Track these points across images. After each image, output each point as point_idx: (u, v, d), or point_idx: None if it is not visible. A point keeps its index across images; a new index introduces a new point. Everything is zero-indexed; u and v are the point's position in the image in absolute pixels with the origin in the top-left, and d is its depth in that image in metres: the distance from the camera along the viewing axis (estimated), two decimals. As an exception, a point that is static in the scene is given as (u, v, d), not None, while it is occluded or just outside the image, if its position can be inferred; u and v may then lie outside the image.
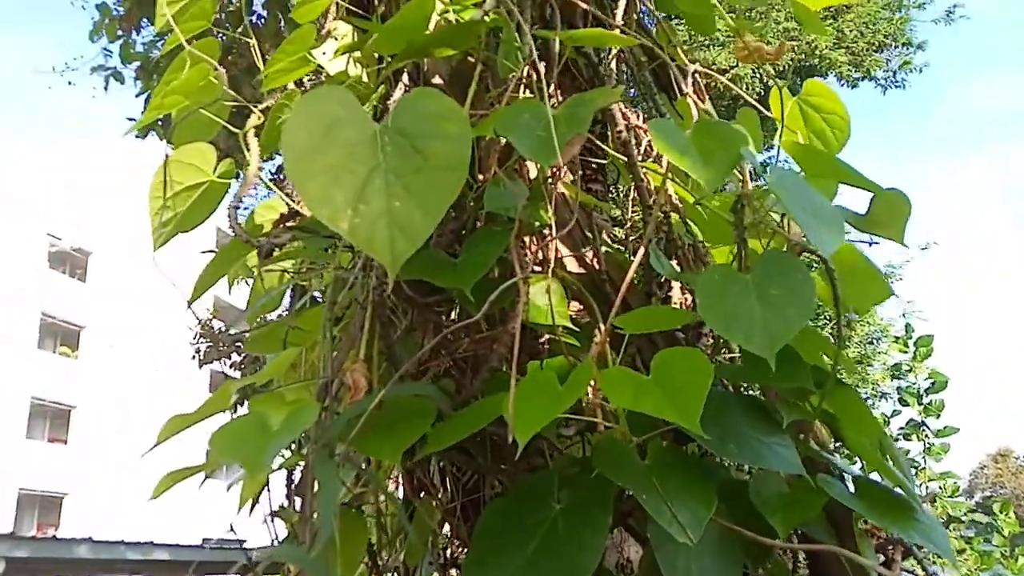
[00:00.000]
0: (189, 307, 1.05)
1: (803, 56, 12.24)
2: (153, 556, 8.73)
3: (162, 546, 9.26)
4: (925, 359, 4.69)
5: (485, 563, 0.72)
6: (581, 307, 1.10)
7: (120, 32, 5.53)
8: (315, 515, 0.65)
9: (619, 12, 1.00)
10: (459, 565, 1.30)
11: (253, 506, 0.95)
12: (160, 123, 6.43)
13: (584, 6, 0.98)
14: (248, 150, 1.20)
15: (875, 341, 12.11)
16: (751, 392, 0.86)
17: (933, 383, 4.63)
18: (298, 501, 0.78)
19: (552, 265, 0.96)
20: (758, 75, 12.18)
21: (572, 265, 1.11)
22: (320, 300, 1.19)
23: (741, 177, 0.81)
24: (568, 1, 0.95)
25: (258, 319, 1.30)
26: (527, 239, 1.06)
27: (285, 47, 1.22)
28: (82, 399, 25.47)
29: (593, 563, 0.67)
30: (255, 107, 1.29)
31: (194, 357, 11.20)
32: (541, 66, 0.79)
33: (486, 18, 0.82)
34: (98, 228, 27.24)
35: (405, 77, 1.01)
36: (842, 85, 12.66)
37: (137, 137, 6.15)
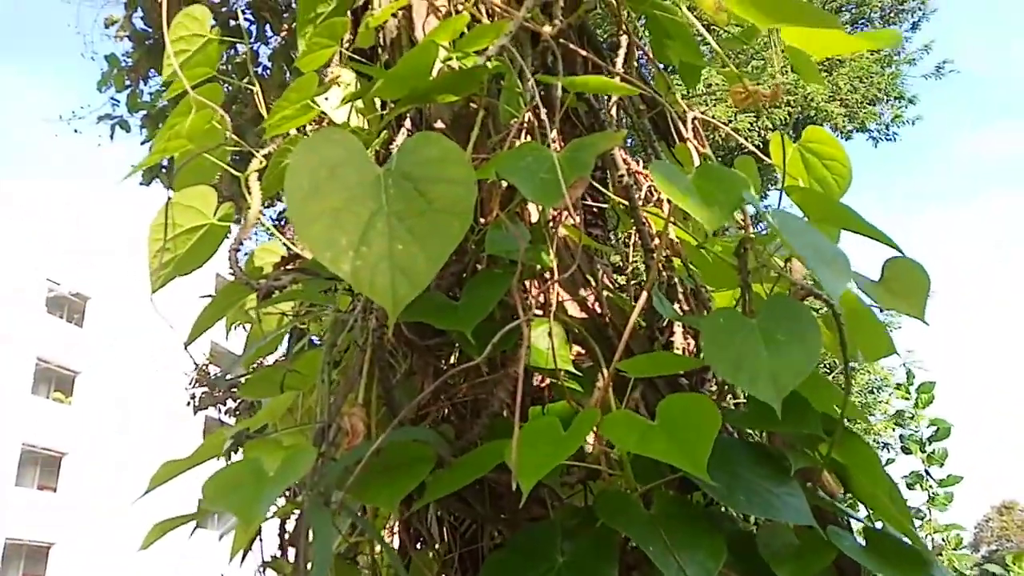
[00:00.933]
0: (186, 349, 1.03)
1: (799, 109, 12.47)
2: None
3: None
4: (927, 406, 4.65)
5: (486, 618, 0.69)
6: (582, 352, 1.09)
7: (128, 82, 5.62)
8: (309, 565, 0.63)
9: (619, 61, 1.02)
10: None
11: (244, 556, 0.92)
12: (163, 170, 6.51)
13: (584, 54, 0.99)
14: (249, 194, 1.20)
15: (875, 391, 12.03)
16: (757, 440, 0.84)
17: (936, 431, 4.58)
18: (291, 551, 0.75)
19: (554, 308, 0.95)
20: (756, 128, 12.40)
21: (573, 309, 1.10)
22: (318, 344, 1.18)
23: (743, 221, 0.81)
24: (568, 49, 0.96)
25: (254, 363, 1.29)
26: (528, 282, 1.05)
27: (288, 94, 1.24)
28: (73, 446, 25.12)
29: (599, 617, 0.64)
30: (257, 152, 1.30)
31: (189, 403, 11.11)
32: (543, 111, 0.80)
33: (488, 64, 0.83)
34: (97, 274, 27.29)
35: (407, 122, 1.02)
36: (838, 136, 12.88)
37: (141, 184, 6.21)
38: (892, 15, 13.47)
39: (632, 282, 1.27)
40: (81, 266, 26.77)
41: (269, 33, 6.13)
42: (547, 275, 1.02)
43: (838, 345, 0.71)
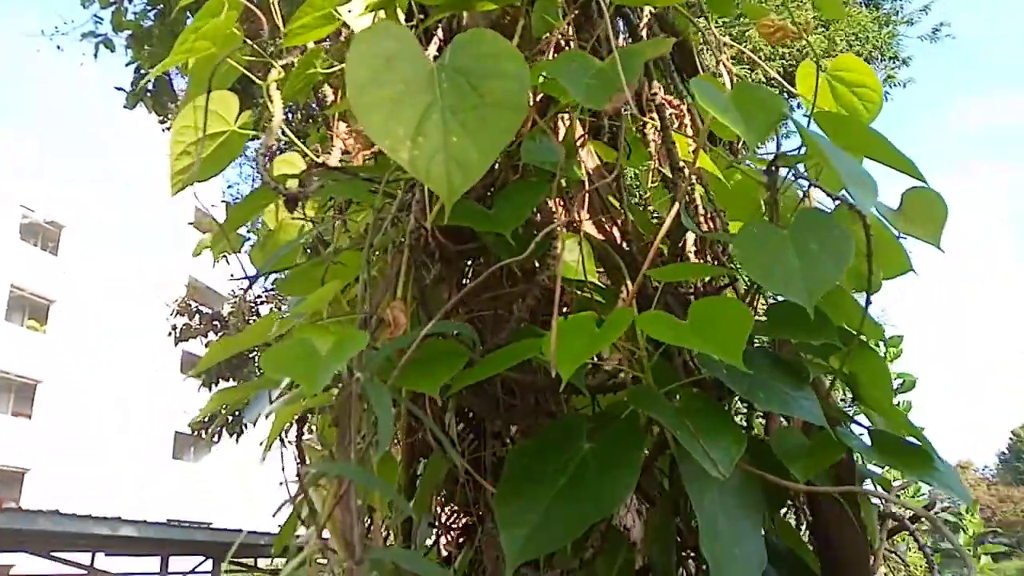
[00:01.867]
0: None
1: (794, 62, 12.39)
2: (120, 532, 8.62)
3: (129, 522, 9.14)
4: (895, 359, 4.79)
5: (516, 496, 0.73)
6: (600, 270, 1.12)
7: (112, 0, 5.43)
8: (359, 439, 0.67)
9: (653, -20, 1.02)
10: (451, 530, 1.32)
11: (270, 446, 0.95)
12: (148, 93, 6.34)
13: (622, -29, 0.99)
14: (271, 102, 1.20)
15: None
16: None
17: (902, 383, 4.73)
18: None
19: (580, 225, 0.98)
20: (750, 79, 12.32)
21: (591, 229, 1.13)
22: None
23: (775, 139, 0.83)
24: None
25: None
26: (552, 201, 1.08)
27: (312, 2, 1.22)
28: (48, 374, 25.00)
29: (624, 495, 0.69)
30: (276, 62, 1.29)
31: (170, 334, 11.09)
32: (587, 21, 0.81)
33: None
34: (73, 202, 26.73)
35: (440, 32, 1.02)
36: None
37: (125, 107, 6.07)
38: (892, -25, 13.29)
39: (648, 208, 1.30)
40: (56, 193, 26.19)
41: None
42: (571, 193, 1.05)
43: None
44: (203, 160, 1.23)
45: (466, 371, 0.77)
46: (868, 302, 0.77)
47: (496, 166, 0.95)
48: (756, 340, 0.88)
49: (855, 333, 0.79)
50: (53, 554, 9.00)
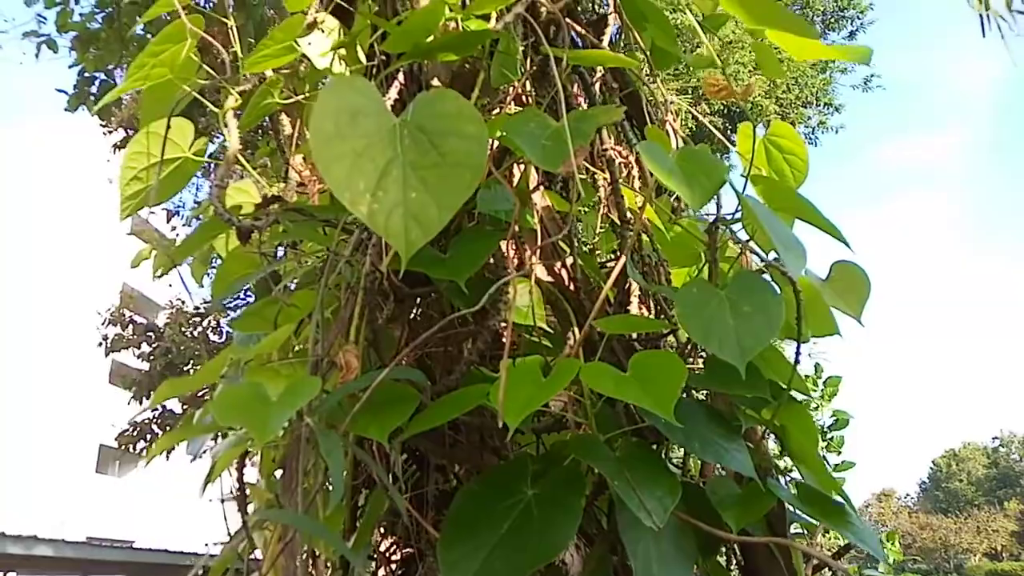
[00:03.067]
0: (161, 276, 1.04)
1: (734, 100, 12.85)
2: (35, 551, 8.18)
3: (46, 541, 8.69)
4: (831, 399, 4.99)
5: (459, 541, 0.75)
6: (549, 313, 1.15)
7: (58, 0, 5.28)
8: (303, 485, 0.68)
9: (606, 39, 1.07)
10: (392, 562, 1.32)
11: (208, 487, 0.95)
12: (92, 97, 6.15)
13: (579, 29, 1.04)
14: (227, 130, 1.20)
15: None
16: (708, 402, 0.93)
17: (836, 421, 4.93)
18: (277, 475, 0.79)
19: (531, 270, 1.01)
20: (692, 114, 12.70)
21: (541, 273, 1.16)
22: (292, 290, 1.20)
23: (717, 202, 0.88)
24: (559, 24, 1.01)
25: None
26: (504, 244, 1.11)
27: (274, 34, 1.24)
28: (-36, 381, 23.67)
29: (565, 543, 0.72)
30: (232, 88, 1.29)
31: (100, 344, 10.67)
32: (546, 77, 0.84)
33: (494, 28, 0.87)
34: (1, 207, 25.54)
35: (401, 76, 1.05)
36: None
37: (66, 110, 5.88)
38: (833, 20, 13.98)
39: (595, 253, 1.34)
40: (-17, 191, 25.00)
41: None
42: (523, 238, 1.08)
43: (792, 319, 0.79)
44: (157, 185, 1.22)
45: (416, 417, 0.79)
46: (797, 360, 0.82)
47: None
48: (695, 390, 0.93)
49: (784, 388, 0.84)
50: (-40, 574, 8.49)
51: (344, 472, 1.01)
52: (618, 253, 1.18)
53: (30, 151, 26.48)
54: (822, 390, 5.00)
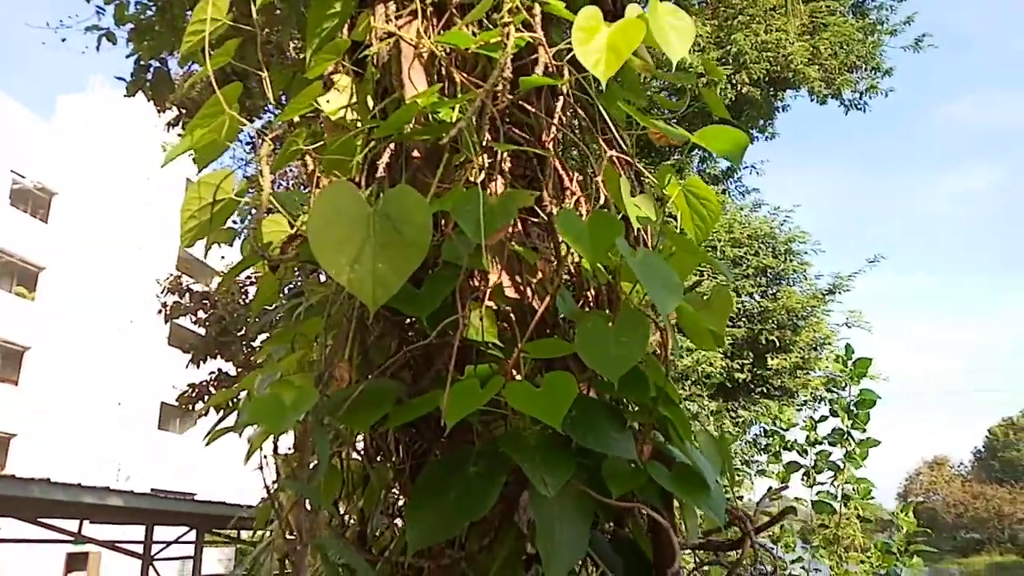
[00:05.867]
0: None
1: (778, 68, 12.70)
2: (108, 501, 8.97)
3: (117, 492, 9.49)
4: (859, 379, 5.14)
5: (421, 506, 1.08)
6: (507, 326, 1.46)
7: (116, -6, 5.68)
8: (313, 460, 1.01)
9: (556, 114, 1.35)
10: (402, 514, 1.67)
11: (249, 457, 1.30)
12: (148, 83, 6.58)
13: (531, 109, 1.32)
14: (262, 175, 1.53)
15: (817, 347, 12.78)
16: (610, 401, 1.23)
17: (862, 400, 5.09)
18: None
19: (489, 294, 1.31)
20: (734, 82, 12.62)
21: (510, 291, 1.47)
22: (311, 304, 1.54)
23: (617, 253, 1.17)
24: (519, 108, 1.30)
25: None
26: (476, 272, 1.41)
27: (298, 98, 1.55)
28: (36, 341, 25.19)
29: (489, 504, 1.03)
30: (267, 135, 1.61)
31: (159, 312, 11.41)
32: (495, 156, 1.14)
33: (458, 115, 1.17)
34: (65, 169, 26.76)
35: (392, 146, 1.35)
36: (812, 100, 13.19)
37: (125, 96, 6.33)
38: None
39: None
40: (49, 160, 26.21)
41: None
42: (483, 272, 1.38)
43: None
44: (207, 221, 1.56)
45: (392, 413, 1.11)
46: (667, 373, 1.11)
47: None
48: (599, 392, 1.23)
49: (659, 390, 1.14)
50: (40, 520, 9.36)
51: (344, 453, 1.34)
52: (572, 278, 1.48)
53: (92, 125, 27.48)
54: (851, 370, 5.12)
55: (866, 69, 13.31)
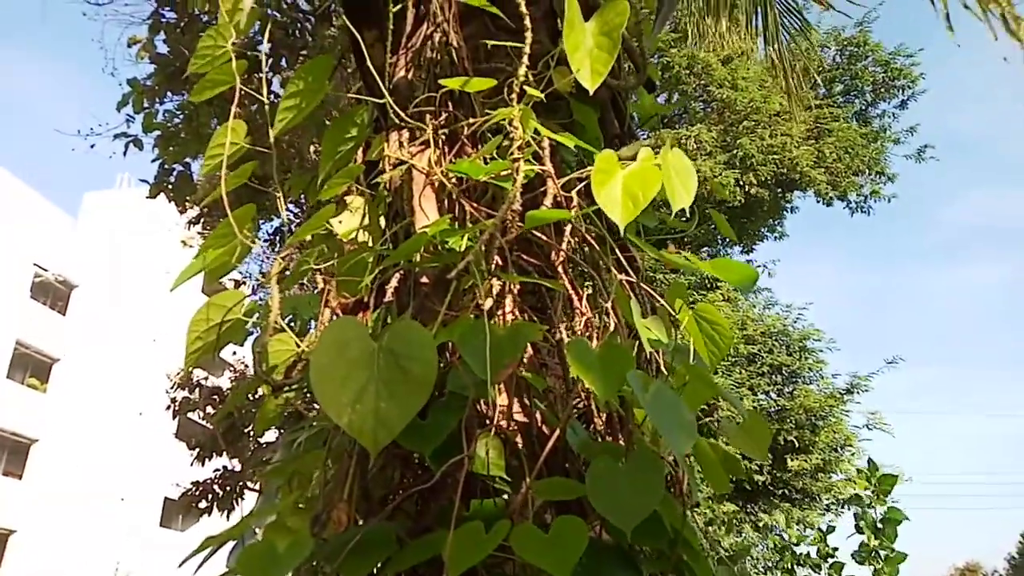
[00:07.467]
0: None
1: (785, 170, 12.98)
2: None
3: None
4: (885, 496, 4.96)
5: None
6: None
7: (145, 104, 5.94)
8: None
9: (565, 239, 1.35)
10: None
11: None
12: (170, 186, 6.79)
13: (540, 237, 1.32)
14: (272, 298, 1.52)
15: (838, 449, 12.41)
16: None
17: (889, 519, 4.90)
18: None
19: (495, 424, 1.27)
20: (741, 184, 12.88)
21: (519, 415, 1.42)
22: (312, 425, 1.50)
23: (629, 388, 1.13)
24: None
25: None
26: (481, 401, 1.37)
27: (312, 220, 1.56)
28: (44, 433, 25.00)
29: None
30: (280, 257, 1.61)
31: (169, 407, 11.32)
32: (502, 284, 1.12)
33: (467, 244, 1.16)
34: (85, 264, 27.35)
35: (400, 273, 1.34)
36: (818, 202, 13.41)
37: (148, 198, 6.52)
38: (883, 90, 14.04)
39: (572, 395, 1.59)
40: (71, 254, 26.83)
41: (284, 65, 6.51)
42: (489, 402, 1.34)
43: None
44: (214, 341, 1.54)
45: (391, 560, 1.05)
46: (684, 516, 1.05)
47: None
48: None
49: (676, 532, 1.07)
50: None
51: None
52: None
53: (116, 221, 28.26)
54: (875, 487, 4.97)
55: (870, 173, 13.58)
